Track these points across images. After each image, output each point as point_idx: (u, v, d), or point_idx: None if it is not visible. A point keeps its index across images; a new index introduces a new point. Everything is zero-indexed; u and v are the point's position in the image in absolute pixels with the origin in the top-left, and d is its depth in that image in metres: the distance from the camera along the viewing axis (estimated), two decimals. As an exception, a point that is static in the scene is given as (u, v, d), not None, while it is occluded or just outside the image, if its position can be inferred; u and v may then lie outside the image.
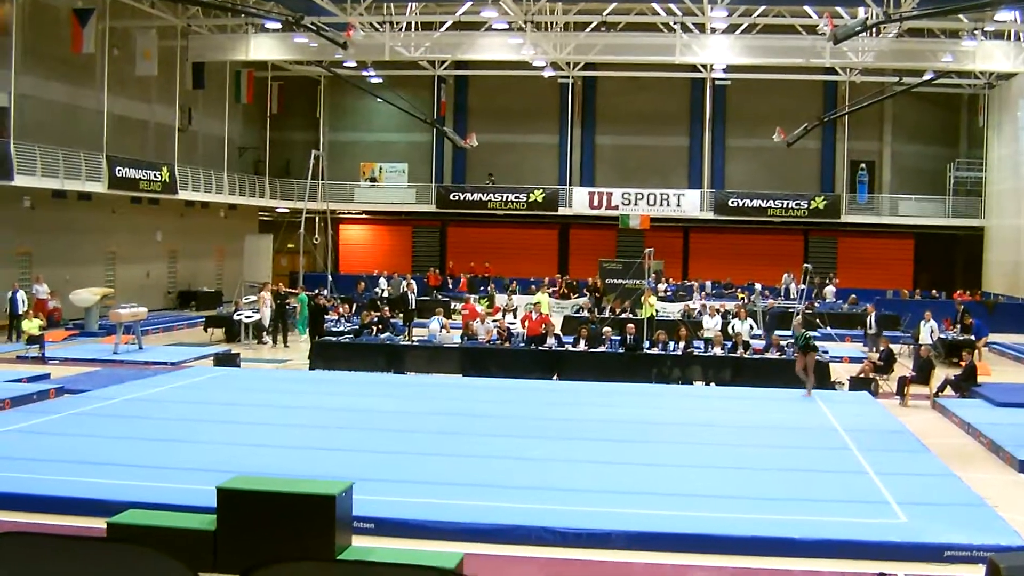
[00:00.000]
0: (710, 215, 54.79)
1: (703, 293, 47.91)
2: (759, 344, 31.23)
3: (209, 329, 38.45)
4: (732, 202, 54.36)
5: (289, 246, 52.64)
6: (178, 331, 40.46)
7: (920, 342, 31.29)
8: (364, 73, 54.02)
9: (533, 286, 46.51)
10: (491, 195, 56.46)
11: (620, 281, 43.05)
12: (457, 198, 57.19)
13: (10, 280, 36.76)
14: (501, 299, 43.71)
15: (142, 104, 46.62)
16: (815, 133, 51.68)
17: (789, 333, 32.95)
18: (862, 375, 27.71)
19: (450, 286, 52.37)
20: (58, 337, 34.89)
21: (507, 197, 56.21)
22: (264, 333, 37.05)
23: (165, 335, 38.86)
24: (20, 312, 34.90)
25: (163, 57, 44.77)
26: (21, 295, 35.51)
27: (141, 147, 45.96)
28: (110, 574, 7.75)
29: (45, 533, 10.45)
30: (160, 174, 44.51)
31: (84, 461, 16.69)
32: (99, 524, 12.50)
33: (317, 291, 38.25)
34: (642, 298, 35.50)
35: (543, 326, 31.35)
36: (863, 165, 56.10)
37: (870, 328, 35.88)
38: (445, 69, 55.27)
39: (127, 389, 24.58)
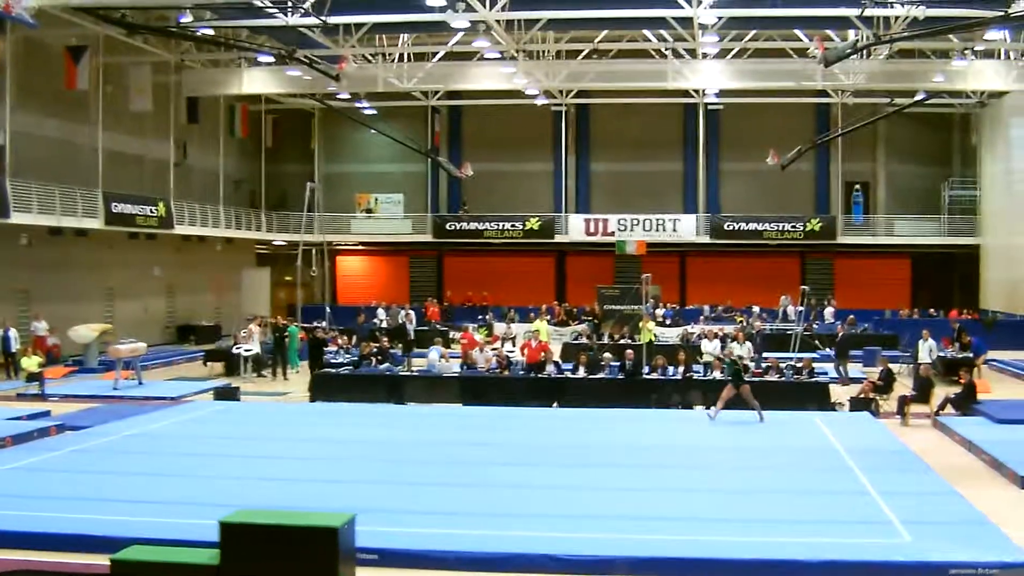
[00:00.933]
0: (706, 239, 54.78)
1: (702, 317, 47.93)
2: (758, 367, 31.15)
3: (208, 363, 38.41)
4: (728, 226, 54.41)
5: (287, 278, 52.71)
6: (177, 365, 40.39)
7: (919, 361, 31.31)
8: (358, 105, 54.17)
9: (532, 314, 46.49)
10: (487, 224, 56.46)
11: (618, 307, 43.09)
12: (453, 227, 57.21)
13: (9, 317, 36.80)
14: (500, 328, 43.72)
15: (137, 139, 46.71)
16: (809, 155, 51.88)
17: (787, 355, 33.00)
18: (862, 395, 27.69)
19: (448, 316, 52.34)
20: (58, 374, 34.87)
21: (503, 225, 56.23)
22: (262, 367, 36.99)
23: (164, 370, 38.81)
24: (14, 350, 34.94)
25: (157, 92, 44.84)
26: (13, 333, 35.58)
27: (137, 182, 45.99)
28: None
29: (50, 571, 10.47)
30: (156, 209, 44.60)
31: (86, 498, 16.67)
32: (103, 561, 12.48)
33: (315, 323, 38.20)
34: (640, 323, 35.51)
35: (542, 354, 31.32)
36: (858, 186, 56.14)
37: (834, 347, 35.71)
38: (438, 99, 55.38)
39: (128, 425, 24.57)
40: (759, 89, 47.17)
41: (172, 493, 17.09)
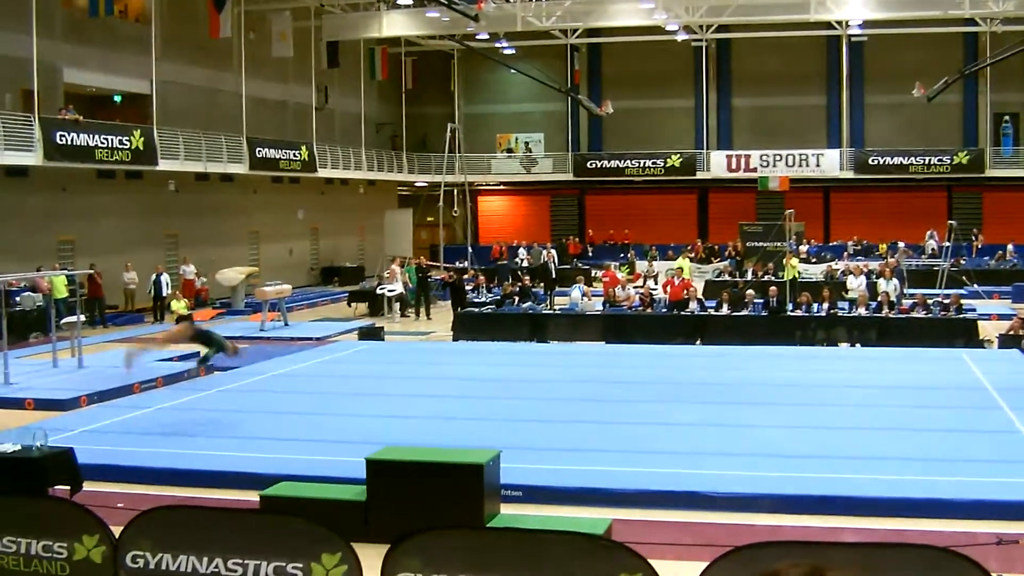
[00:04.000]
0: (850, 174, 53.90)
1: (846, 253, 47.23)
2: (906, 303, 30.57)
3: (353, 304, 38.95)
4: (872, 160, 53.44)
5: (429, 219, 53.01)
6: (322, 307, 41.05)
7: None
8: (497, 45, 54.07)
9: (672, 251, 46.27)
10: (628, 161, 56.24)
11: (761, 244, 42.69)
12: (594, 166, 57.09)
13: (159, 261, 37.63)
14: (641, 265, 43.57)
15: (279, 85, 47.31)
16: (956, 86, 50.47)
17: (935, 291, 32.38)
18: (1012, 332, 27.14)
19: (590, 254, 52.32)
20: (206, 316, 35.63)
21: (644, 163, 55.94)
22: (407, 306, 37.36)
23: (310, 311, 39.44)
24: (164, 295, 35.72)
25: (298, 38, 45.27)
26: (165, 278, 36.32)
27: (280, 127, 46.60)
28: (265, 543, 7.95)
29: (202, 506, 10.72)
30: (299, 153, 45.15)
31: (235, 436, 17.05)
32: (252, 497, 12.75)
33: (456, 264, 38.48)
34: (784, 260, 35.16)
35: (685, 291, 31.16)
36: (1007, 117, 54.67)
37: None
38: (577, 37, 55.03)
39: (275, 365, 25.03)
40: (904, 19, 46.02)
41: (319, 431, 17.36)
